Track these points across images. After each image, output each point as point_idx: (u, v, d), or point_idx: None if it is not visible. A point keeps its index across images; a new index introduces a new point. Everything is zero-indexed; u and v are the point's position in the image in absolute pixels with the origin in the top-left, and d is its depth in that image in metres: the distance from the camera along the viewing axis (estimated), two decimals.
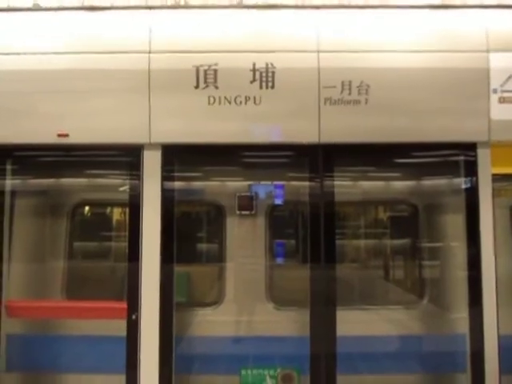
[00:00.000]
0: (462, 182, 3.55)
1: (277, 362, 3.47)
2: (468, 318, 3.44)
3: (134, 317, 3.20)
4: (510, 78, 3.52)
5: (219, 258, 3.84)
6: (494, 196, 3.52)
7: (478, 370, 3.36)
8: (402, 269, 3.86)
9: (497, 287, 3.41)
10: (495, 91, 3.44)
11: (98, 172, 3.76)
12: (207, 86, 3.25)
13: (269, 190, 3.74)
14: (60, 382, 3.61)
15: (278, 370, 3.44)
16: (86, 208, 4.20)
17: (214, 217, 3.89)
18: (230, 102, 3.25)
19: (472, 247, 3.45)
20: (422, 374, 3.56)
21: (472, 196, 3.47)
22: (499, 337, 3.38)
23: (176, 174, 3.38)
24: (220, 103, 3.24)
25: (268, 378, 3.43)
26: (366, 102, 3.28)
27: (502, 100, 3.47)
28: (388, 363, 3.55)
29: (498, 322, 3.40)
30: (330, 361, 3.31)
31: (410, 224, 3.90)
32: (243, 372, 3.45)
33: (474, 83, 3.42)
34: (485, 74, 3.41)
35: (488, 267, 3.42)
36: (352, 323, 3.50)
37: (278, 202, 3.74)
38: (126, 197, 3.41)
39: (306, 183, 3.45)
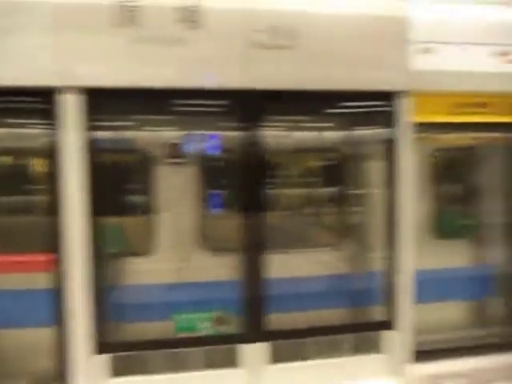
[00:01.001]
0: (384, 131, 3.70)
1: (211, 305, 3.58)
2: (386, 257, 3.74)
3: (60, 269, 3.14)
4: (431, 27, 3.63)
5: (151, 207, 3.78)
6: (415, 144, 3.74)
7: (392, 303, 3.72)
8: (331, 214, 4.04)
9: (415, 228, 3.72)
10: (415, 41, 3.54)
11: (12, 119, 3.48)
12: (129, 24, 3.03)
13: (199, 138, 3.68)
14: None
15: (212, 314, 3.57)
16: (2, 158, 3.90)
17: (144, 166, 3.77)
18: (153, 43, 3.07)
19: (392, 193, 3.68)
20: (345, 309, 3.84)
21: (393, 144, 3.65)
22: (413, 273, 3.74)
23: (99, 121, 3.18)
24: (143, 43, 3.05)
25: (202, 321, 3.55)
26: (295, 48, 3.25)
27: (422, 50, 3.59)
28: (315, 301, 3.79)
29: (413, 260, 3.74)
30: (261, 302, 3.49)
31: (338, 172, 4.03)
32: (178, 317, 3.53)
33: (395, 32, 3.49)
34: (405, 23, 3.48)
35: (406, 211, 3.69)
36: (283, 266, 3.68)
37: (210, 150, 3.70)
38: (42, 145, 3.20)
39: (237, 131, 3.44)
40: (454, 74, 3.68)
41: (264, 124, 3.46)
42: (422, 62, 3.56)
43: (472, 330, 4.25)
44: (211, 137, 3.68)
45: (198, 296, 3.58)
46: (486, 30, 3.82)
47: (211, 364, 3.46)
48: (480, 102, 3.88)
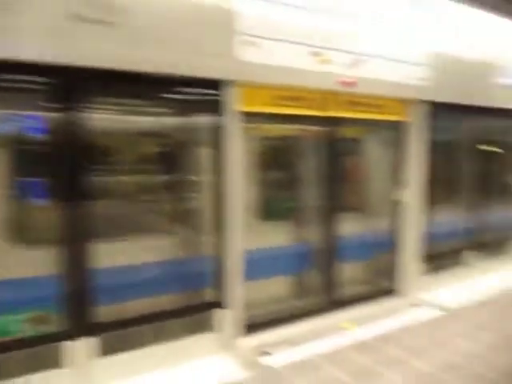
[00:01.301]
0: (213, 118, 3.82)
1: (27, 304, 3.22)
2: (217, 240, 3.91)
3: None
4: (257, 23, 3.86)
5: None
6: (243, 132, 3.96)
7: (223, 283, 3.93)
8: (164, 201, 4.00)
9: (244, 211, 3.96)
10: (242, 33, 3.73)
11: None
12: None
13: (10, 118, 3.20)
14: None
15: (29, 313, 3.21)
16: None
17: None
18: None
19: (221, 179, 3.85)
20: (179, 293, 3.89)
21: (222, 132, 3.80)
22: (242, 254, 4.00)
23: None
24: None
25: (17, 323, 3.18)
26: (118, 25, 3.09)
27: (248, 43, 3.79)
28: (149, 288, 3.74)
29: (242, 242, 3.99)
30: (85, 295, 3.30)
31: (171, 158, 3.97)
32: None
33: (222, 22, 3.62)
34: (233, 14, 3.64)
35: (234, 196, 3.90)
36: (113, 255, 3.52)
37: (23, 132, 3.26)
38: None
39: (55, 112, 3.14)
40: (275, 68, 4.00)
41: (86, 105, 3.22)
42: (247, 54, 3.76)
43: (294, 300, 4.78)
44: (25, 117, 3.24)
45: (10, 296, 3.16)
46: (305, 31, 4.23)
47: (32, 368, 3.14)
48: (297, 96, 4.32)
